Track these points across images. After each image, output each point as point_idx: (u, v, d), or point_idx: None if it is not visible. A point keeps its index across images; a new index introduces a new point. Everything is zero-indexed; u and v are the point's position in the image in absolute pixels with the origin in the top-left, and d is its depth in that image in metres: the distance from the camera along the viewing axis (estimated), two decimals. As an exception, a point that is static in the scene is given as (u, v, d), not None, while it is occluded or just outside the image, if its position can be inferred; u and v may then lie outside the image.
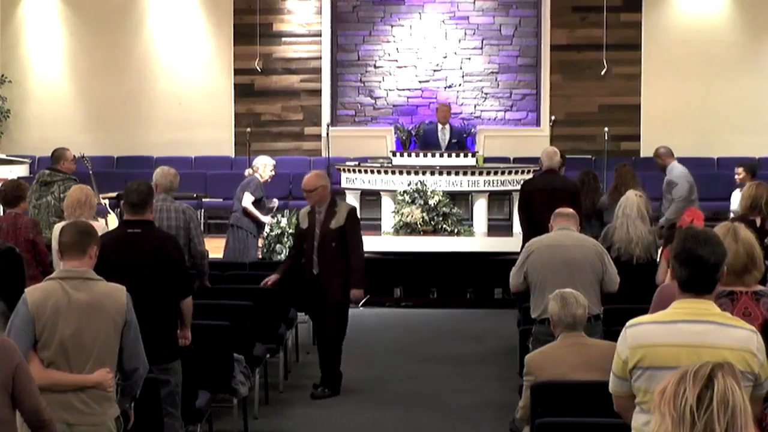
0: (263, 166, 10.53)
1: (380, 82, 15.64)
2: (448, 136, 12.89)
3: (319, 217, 7.96)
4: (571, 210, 6.99)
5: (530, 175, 11.39)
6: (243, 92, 15.52)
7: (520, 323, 7.72)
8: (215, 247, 10.27)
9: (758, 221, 7.02)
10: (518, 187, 10.66)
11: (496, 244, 11.53)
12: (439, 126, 12.98)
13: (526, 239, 8.05)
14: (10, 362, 3.78)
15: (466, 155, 12.38)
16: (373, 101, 15.57)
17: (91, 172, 11.41)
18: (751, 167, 10.31)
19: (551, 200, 8.54)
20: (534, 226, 8.41)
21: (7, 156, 14.03)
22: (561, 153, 9.93)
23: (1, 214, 8.58)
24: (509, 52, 15.59)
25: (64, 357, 4.40)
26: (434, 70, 15.57)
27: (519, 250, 7.24)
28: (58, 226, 6.33)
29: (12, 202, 7.61)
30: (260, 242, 10.85)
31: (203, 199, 14.03)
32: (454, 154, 12.36)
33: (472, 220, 12.18)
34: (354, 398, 7.95)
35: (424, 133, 13.08)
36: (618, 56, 15.19)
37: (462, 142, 13.01)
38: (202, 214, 13.75)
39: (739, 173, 10.11)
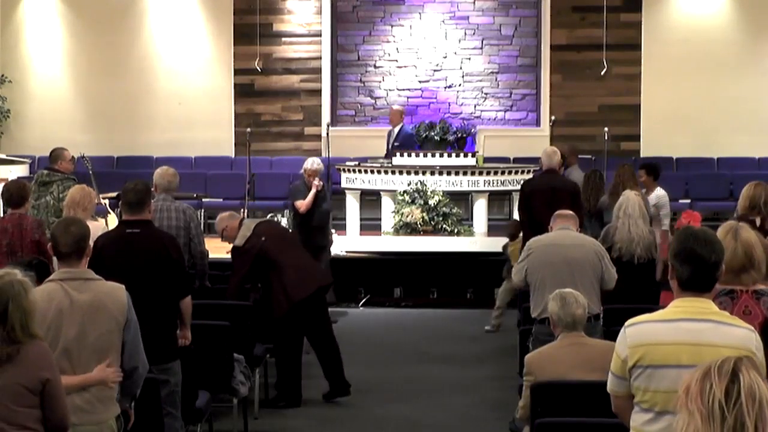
0: (303, 171, 10.46)
1: (380, 82, 15.64)
2: (393, 139, 12.90)
3: None
4: (570, 211, 7.00)
5: (530, 175, 11.40)
6: (243, 92, 15.52)
7: (520, 323, 7.73)
8: (215, 247, 10.27)
9: (758, 221, 7.03)
10: (518, 187, 10.67)
11: (496, 244, 11.52)
12: (392, 128, 13.01)
13: (526, 239, 8.06)
14: (40, 371, 3.82)
15: (465, 155, 12.39)
16: (373, 101, 15.57)
17: (91, 172, 11.41)
18: (652, 169, 10.20)
19: (551, 200, 8.55)
20: (534, 227, 8.40)
21: (7, 156, 14.01)
22: (561, 152, 9.95)
23: (1, 215, 8.58)
24: (509, 52, 15.58)
25: (68, 358, 4.38)
26: (434, 70, 15.57)
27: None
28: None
29: (17, 202, 7.57)
30: None
31: (203, 199, 14.03)
32: (454, 154, 12.37)
33: (472, 220, 12.20)
34: (354, 398, 7.95)
35: (387, 136, 13.10)
36: (618, 56, 15.18)
37: (408, 143, 12.85)
38: (202, 214, 13.75)
39: (641, 176, 9.99)
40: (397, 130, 12.98)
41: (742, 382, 2.39)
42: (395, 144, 12.81)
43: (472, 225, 12.01)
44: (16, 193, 7.61)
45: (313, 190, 10.18)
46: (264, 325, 7.68)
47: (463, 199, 12.47)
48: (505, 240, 10.45)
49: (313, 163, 10.39)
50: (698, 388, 2.42)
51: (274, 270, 7.62)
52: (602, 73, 15.16)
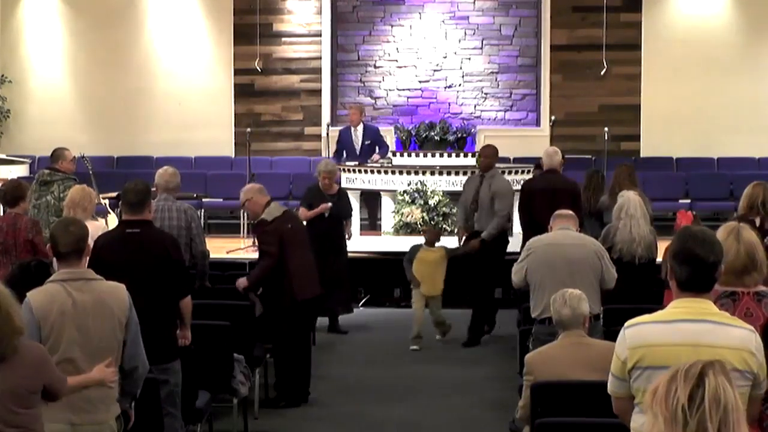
0: (317, 173, 10.05)
1: (380, 82, 15.64)
2: (360, 138, 12.81)
3: None
4: (570, 212, 6.97)
5: (530, 175, 11.38)
6: (243, 92, 15.52)
7: (520, 323, 7.72)
8: (215, 247, 10.27)
9: (758, 221, 7.03)
10: (518, 187, 10.64)
11: (497, 244, 11.52)
12: (351, 128, 12.91)
13: (526, 239, 8.06)
14: (42, 374, 3.86)
15: (465, 155, 12.39)
16: (373, 101, 15.57)
17: (91, 172, 11.41)
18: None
19: (551, 200, 8.53)
20: (534, 227, 8.40)
21: (7, 156, 14.02)
22: (483, 154, 9.87)
23: (1, 214, 8.58)
24: (509, 52, 15.58)
25: (71, 359, 4.38)
26: (434, 70, 15.57)
27: (519, 250, 7.24)
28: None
29: (12, 202, 7.60)
30: None
31: (203, 199, 14.03)
32: (454, 154, 12.36)
33: (472, 220, 12.17)
34: (354, 398, 7.96)
35: (340, 137, 12.92)
36: (618, 56, 15.19)
37: (375, 141, 12.84)
38: (202, 214, 13.74)
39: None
40: (361, 129, 12.87)
41: (707, 387, 2.39)
42: (366, 143, 12.74)
43: (472, 225, 11.99)
44: (10, 192, 7.64)
45: (318, 210, 9.74)
46: (264, 324, 7.69)
47: (463, 199, 12.44)
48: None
49: (327, 165, 10.11)
50: (664, 391, 2.42)
51: (283, 262, 7.62)
52: (602, 73, 15.16)
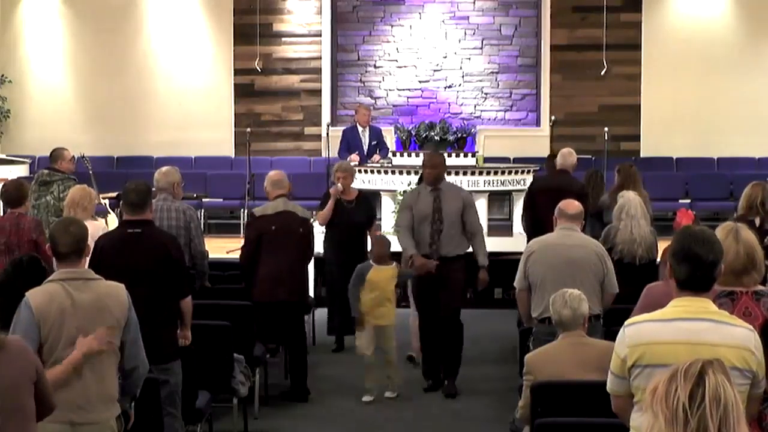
0: (333, 174, 9.62)
1: (380, 82, 15.65)
2: (368, 139, 12.83)
3: None
4: (576, 209, 6.83)
5: (530, 176, 11.38)
6: (243, 92, 15.53)
7: (520, 323, 7.72)
8: (215, 248, 10.27)
9: (757, 221, 7.04)
10: (518, 187, 10.65)
11: (496, 244, 11.50)
12: (359, 128, 12.89)
13: (529, 239, 8.04)
14: (31, 358, 3.85)
15: (465, 155, 12.39)
16: (373, 101, 15.57)
17: (91, 172, 11.41)
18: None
19: (556, 201, 8.50)
20: (537, 226, 8.38)
21: (7, 156, 14.03)
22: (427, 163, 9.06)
23: (1, 214, 8.58)
24: (509, 52, 15.59)
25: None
26: (434, 70, 15.58)
27: (522, 249, 7.22)
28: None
29: (15, 202, 7.60)
30: None
31: (203, 199, 14.04)
32: (454, 154, 12.36)
33: (471, 220, 12.15)
34: (353, 397, 7.95)
35: (347, 136, 12.89)
36: (618, 56, 15.19)
37: (379, 143, 12.91)
38: (202, 214, 13.76)
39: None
40: (367, 130, 12.87)
41: (707, 386, 2.39)
42: (373, 143, 12.77)
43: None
44: (14, 192, 7.64)
45: (331, 201, 9.25)
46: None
47: (463, 199, 12.44)
48: (503, 239, 10.33)
49: (342, 164, 9.81)
50: (664, 390, 2.43)
51: (254, 260, 7.81)
52: (602, 73, 15.17)
